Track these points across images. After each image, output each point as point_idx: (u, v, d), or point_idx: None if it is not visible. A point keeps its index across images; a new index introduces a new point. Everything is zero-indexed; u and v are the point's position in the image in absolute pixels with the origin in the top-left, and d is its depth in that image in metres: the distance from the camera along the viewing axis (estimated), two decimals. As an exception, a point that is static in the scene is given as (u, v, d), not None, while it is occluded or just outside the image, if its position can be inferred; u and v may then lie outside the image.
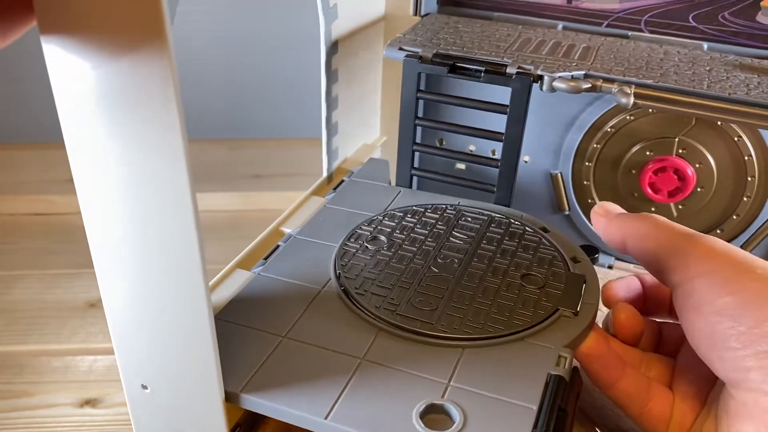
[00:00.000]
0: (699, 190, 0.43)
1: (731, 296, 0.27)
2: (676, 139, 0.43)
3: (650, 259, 0.31)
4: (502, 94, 0.39)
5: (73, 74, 0.22)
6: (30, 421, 0.47)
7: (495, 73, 0.37)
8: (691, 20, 0.41)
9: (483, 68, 0.37)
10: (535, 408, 0.27)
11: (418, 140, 0.43)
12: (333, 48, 0.43)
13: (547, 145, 0.46)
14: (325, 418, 0.26)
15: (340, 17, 0.43)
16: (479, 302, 0.32)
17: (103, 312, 0.59)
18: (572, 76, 0.36)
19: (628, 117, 0.43)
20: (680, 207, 0.45)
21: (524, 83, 0.36)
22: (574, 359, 0.32)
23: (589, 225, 0.46)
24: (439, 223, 0.39)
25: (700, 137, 0.41)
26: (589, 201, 0.47)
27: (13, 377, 0.51)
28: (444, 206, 0.40)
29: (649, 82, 0.35)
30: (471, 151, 0.49)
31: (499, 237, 0.38)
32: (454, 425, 0.26)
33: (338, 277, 0.34)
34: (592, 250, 0.39)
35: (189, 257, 0.24)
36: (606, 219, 0.34)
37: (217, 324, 0.27)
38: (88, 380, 0.51)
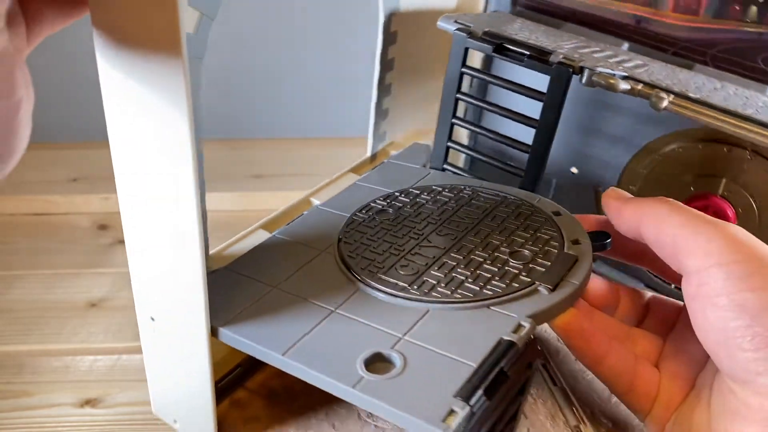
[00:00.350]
0: None
1: (752, 292, 0.25)
2: (723, 180, 0.40)
3: (667, 242, 0.29)
4: (543, 82, 0.38)
5: (116, 66, 0.28)
6: (30, 421, 0.47)
7: (538, 59, 0.37)
8: (760, 62, 0.38)
9: (528, 52, 0.37)
10: (474, 366, 0.28)
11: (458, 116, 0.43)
12: (390, 37, 0.45)
13: (596, 160, 0.45)
14: (283, 354, 0.30)
15: (402, 7, 0.45)
16: (459, 272, 0.34)
17: (102, 312, 0.60)
18: (613, 73, 0.35)
19: (677, 148, 0.41)
20: None
21: (563, 73, 0.36)
22: (560, 337, 0.33)
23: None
24: (452, 201, 0.41)
25: (748, 183, 0.38)
26: None
27: (13, 377, 0.51)
28: (462, 186, 0.42)
29: (691, 94, 0.34)
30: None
31: (504, 216, 0.39)
32: (392, 371, 0.29)
33: (338, 242, 0.38)
34: (602, 235, 0.37)
35: (187, 215, 0.29)
36: (620, 202, 0.33)
37: (224, 273, 0.37)
38: (88, 380, 0.51)
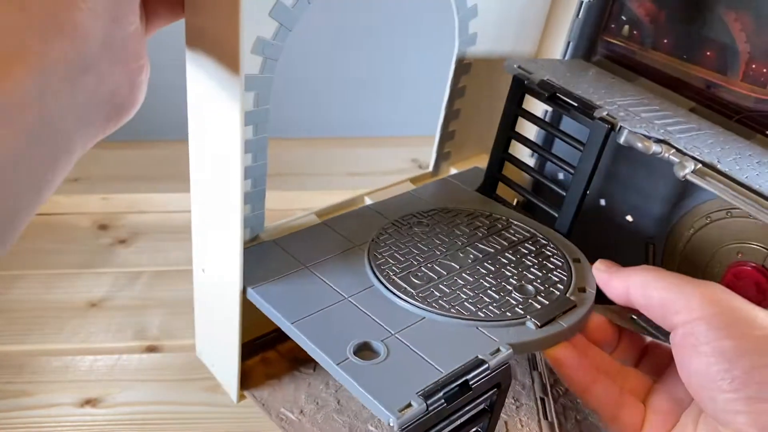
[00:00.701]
0: None
1: (730, 340, 0.28)
2: None
3: (654, 304, 0.33)
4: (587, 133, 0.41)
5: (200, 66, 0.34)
6: (30, 421, 0.47)
7: (583, 112, 0.40)
8: None
9: (576, 104, 0.40)
10: (444, 372, 0.32)
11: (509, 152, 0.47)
12: (464, 67, 0.49)
13: (650, 213, 0.46)
14: (292, 323, 0.36)
15: (479, 43, 0.49)
16: (464, 291, 0.38)
17: (102, 312, 0.60)
18: (648, 135, 0.37)
19: (726, 213, 0.42)
20: None
21: (601, 128, 0.39)
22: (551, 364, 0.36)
23: None
24: (484, 227, 0.44)
25: None
26: None
27: (13, 377, 0.51)
28: (499, 216, 0.45)
29: (718, 166, 0.35)
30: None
31: (527, 253, 0.42)
32: (375, 360, 0.33)
33: (372, 241, 0.43)
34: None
35: (233, 191, 0.36)
36: (608, 273, 0.36)
37: (270, 245, 0.43)
38: (88, 380, 0.51)
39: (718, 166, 0.36)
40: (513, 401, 0.45)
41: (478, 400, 0.33)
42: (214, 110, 0.35)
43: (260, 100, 0.40)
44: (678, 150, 0.37)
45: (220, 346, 0.45)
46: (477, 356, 0.33)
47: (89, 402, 0.49)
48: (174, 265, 0.63)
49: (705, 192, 0.40)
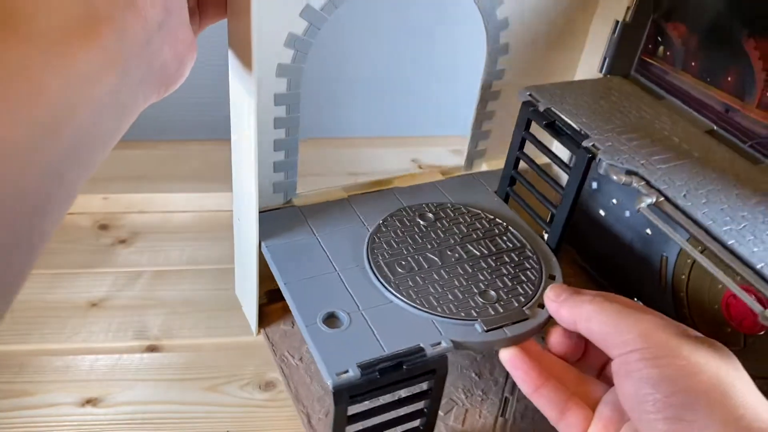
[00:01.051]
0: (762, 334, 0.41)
1: (656, 369, 0.33)
2: None
3: (596, 338, 0.37)
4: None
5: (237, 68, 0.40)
6: (31, 421, 0.48)
7: (572, 140, 0.43)
8: None
9: (569, 132, 0.44)
10: (386, 351, 0.37)
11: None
12: (498, 73, 0.52)
13: (663, 234, 0.46)
14: (284, 283, 0.42)
15: (511, 71, 0.53)
16: (434, 287, 0.42)
17: (103, 312, 0.60)
18: (620, 167, 0.40)
19: (694, 255, 0.42)
20: (749, 340, 0.43)
21: (584, 157, 0.42)
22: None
23: (672, 308, 0.48)
24: (480, 230, 0.47)
25: None
26: (681, 294, 0.48)
27: (14, 377, 0.51)
28: (501, 222, 0.48)
29: (678, 201, 0.37)
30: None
31: (507, 261, 0.45)
32: (338, 328, 0.39)
33: (378, 224, 0.47)
34: None
35: (250, 161, 0.41)
36: (556, 304, 0.39)
37: (293, 210, 0.49)
38: (89, 379, 0.51)
39: (679, 201, 0.38)
40: (482, 394, 0.48)
41: (413, 381, 0.38)
42: (243, 93, 0.40)
43: (292, 85, 0.46)
44: (647, 182, 0.39)
45: (246, 288, 0.51)
46: (419, 344, 0.37)
47: (90, 402, 0.49)
48: (174, 265, 0.63)
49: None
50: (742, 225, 0.37)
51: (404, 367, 0.36)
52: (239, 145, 0.44)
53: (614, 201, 0.53)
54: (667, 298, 0.50)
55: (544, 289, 0.42)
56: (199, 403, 0.50)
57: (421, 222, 0.47)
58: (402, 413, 0.40)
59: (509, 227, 0.48)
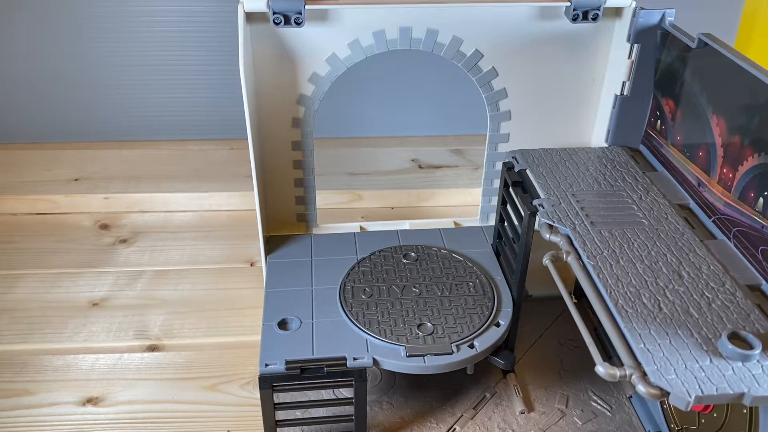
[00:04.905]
0: (714, 414, 0.41)
1: None
2: None
3: None
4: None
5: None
6: (32, 420, 0.48)
7: (524, 200, 0.47)
8: (759, 253, 0.39)
9: (528, 191, 0.48)
10: (313, 355, 0.43)
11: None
12: (502, 137, 0.56)
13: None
14: (267, 290, 0.48)
15: (517, 135, 0.55)
16: (383, 313, 0.46)
17: (104, 311, 0.60)
18: (546, 224, 0.44)
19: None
20: (702, 420, 0.43)
21: (528, 214, 0.46)
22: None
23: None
24: (453, 274, 0.51)
25: None
26: None
27: (15, 376, 0.51)
28: (476, 270, 0.51)
29: (585, 260, 0.40)
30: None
31: (462, 303, 0.48)
32: (288, 331, 0.45)
33: (361, 260, 0.52)
34: (509, 358, 0.48)
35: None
36: None
37: (306, 237, 0.55)
38: (89, 379, 0.51)
39: (585, 260, 0.40)
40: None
41: (334, 385, 0.44)
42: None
43: (308, 113, 0.52)
44: (570, 242, 0.42)
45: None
46: (344, 355, 0.42)
47: (91, 401, 0.49)
48: (175, 265, 0.64)
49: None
50: (640, 305, 0.36)
51: (325, 370, 0.42)
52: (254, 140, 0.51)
53: None
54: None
55: (483, 332, 0.45)
56: (200, 402, 0.50)
57: (403, 260, 0.52)
58: (331, 414, 0.47)
59: (482, 275, 0.51)
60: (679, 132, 0.48)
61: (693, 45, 0.44)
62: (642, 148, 0.53)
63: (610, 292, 0.37)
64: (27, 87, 0.81)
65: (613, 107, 0.52)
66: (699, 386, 0.31)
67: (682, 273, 0.39)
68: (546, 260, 0.43)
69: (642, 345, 0.33)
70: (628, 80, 0.50)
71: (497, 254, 0.54)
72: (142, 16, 0.78)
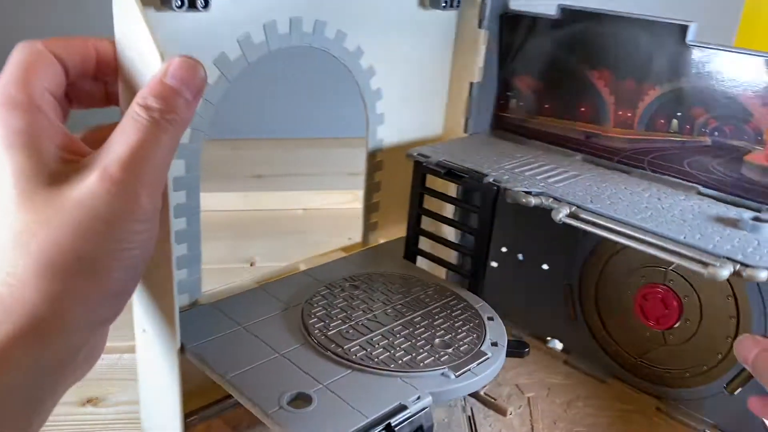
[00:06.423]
0: (687, 322, 0.45)
1: None
2: (666, 270, 0.46)
3: None
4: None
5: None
6: (32, 420, 0.48)
7: (474, 179, 0.46)
8: (686, 165, 0.47)
9: (468, 175, 0.47)
10: (368, 417, 0.35)
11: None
12: (377, 165, 0.53)
13: (562, 259, 0.52)
14: (228, 377, 0.38)
15: (386, 141, 0.53)
16: (383, 347, 0.41)
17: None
18: (526, 192, 0.43)
19: (620, 246, 0.47)
20: (670, 336, 0.47)
21: (491, 190, 0.45)
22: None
23: (589, 335, 0.51)
24: (405, 291, 0.48)
25: (688, 271, 0.43)
26: (594, 318, 0.51)
27: (15, 376, 0.51)
28: (418, 280, 0.49)
29: (590, 206, 0.41)
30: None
31: (437, 312, 0.45)
32: (307, 408, 0.36)
33: (306, 302, 0.45)
34: (521, 344, 0.46)
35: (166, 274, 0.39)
36: (751, 353, 0.38)
37: (207, 308, 0.45)
38: (89, 378, 0.51)
39: (590, 206, 0.41)
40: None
41: None
42: None
43: (191, 167, 0.45)
44: (555, 198, 0.42)
45: (163, 413, 0.43)
46: (399, 402, 0.36)
47: (90, 401, 0.49)
48: (175, 265, 0.64)
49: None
50: (649, 213, 0.41)
51: (394, 427, 0.35)
52: None
53: (503, 249, 0.57)
54: (580, 327, 0.52)
55: (488, 330, 0.43)
56: (200, 403, 0.50)
57: (349, 293, 0.47)
58: None
59: (428, 283, 0.49)
60: (547, 101, 0.53)
61: (557, 16, 0.50)
62: (497, 131, 0.56)
63: (630, 218, 0.40)
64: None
65: (469, 95, 0.53)
66: None
67: (662, 197, 0.44)
68: (560, 216, 0.42)
69: (710, 244, 0.37)
70: (482, 66, 0.53)
71: (414, 261, 0.53)
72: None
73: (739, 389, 0.42)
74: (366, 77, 0.50)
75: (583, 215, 0.41)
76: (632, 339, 0.48)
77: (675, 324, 0.46)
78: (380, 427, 0.35)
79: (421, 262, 0.54)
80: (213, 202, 0.74)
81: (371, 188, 0.54)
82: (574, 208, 0.41)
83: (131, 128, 0.30)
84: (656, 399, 0.47)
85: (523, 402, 0.48)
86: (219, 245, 0.67)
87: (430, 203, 0.52)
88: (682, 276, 0.45)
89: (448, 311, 0.46)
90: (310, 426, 0.34)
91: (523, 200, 0.43)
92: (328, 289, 0.47)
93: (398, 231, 0.56)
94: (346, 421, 0.35)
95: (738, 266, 0.35)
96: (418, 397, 0.37)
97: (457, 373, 0.39)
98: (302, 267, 0.51)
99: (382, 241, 0.57)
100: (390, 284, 0.49)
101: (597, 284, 0.50)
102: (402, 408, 0.36)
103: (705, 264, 0.35)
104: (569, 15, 0.49)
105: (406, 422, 0.35)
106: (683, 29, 0.45)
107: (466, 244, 0.52)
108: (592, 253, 0.50)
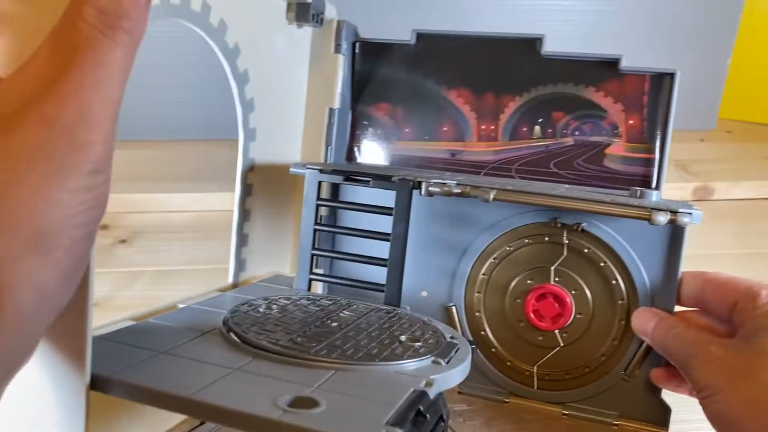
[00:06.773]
0: (579, 316, 0.46)
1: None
2: (552, 268, 0.46)
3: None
4: (390, 201, 0.45)
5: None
6: (31, 421, 0.48)
7: (383, 179, 0.45)
8: (552, 167, 0.50)
9: (371, 178, 0.45)
10: (395, 405, 0.29)
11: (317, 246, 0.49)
12: (248, 188, 0.49)
13: (443, 278, 0.50)
14: (192, 394, 0.28)
15: (257, 161, 0.49)
16: (358, 341, 0.36)
17: (102, 312, 0.60)
18: (445, 183, 0.43)
19: (507, 247, 0.47)
20: (564, 334, 0.46)
21: (405, 186, 0.44)
22: None
23: (482, 356, 0.49)
24: (332, 305, 0.43)
25: (572, 265, 0.45)
26: (482, 332, 0.49)
27: (15, 377, 0.51)
28: (337, 298, 0.45)
29: (510, 187, 0.43)
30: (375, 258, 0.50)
31: (375, 319, 0.41)
32: (316, 409, 0.28)
33: (224, 323, 0.36)
34: (470, 342, 0.44)
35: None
36: (647, 327, 0.41)
37: (96, 341, 0.30)
38: (89, 380, 0.51)
39: (509, 188, 0.43)
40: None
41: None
42: None
43: None
44: (474, 186, 0.43)
45: None
46: (414, 389, 0.31)
47: (90, 402, 0.49)
48: (175, 265, 0.64)
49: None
50: (563, 190, 0.44)
51: (425, 414, 0.30)
52: None
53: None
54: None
55: (438, 327, 0.40)
56: (200, 403, 0.50)
57: (268, 311, 0.40)
58: None
59: (349, 300, 0.45)
60: (406, 126, 0.53)
61: (411, 42, 0.52)
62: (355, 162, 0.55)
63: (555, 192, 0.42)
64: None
65: (329, 122, 0.52)
66: None
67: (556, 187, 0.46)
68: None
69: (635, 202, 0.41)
70: (340, 92, 0.52)
71: (308, 288, 0.49)
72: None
73: (637, 371, 0.43)
74: (242, 81, 0.46)
75: (511, 196, 0.42)
76: (526, 346, 0.47)
77: (569, 320, 0.46)
78: (413, 413, 0.29)
79: (317, 288, 0.50)
80: (212, 202, 0.74)
81: (242, 217, 0.48)
82: (496, 191, 0.42)
83: (70, 43, 0.23)
84: (560, 406, 0.45)
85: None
86: (219, 245, 0.67)
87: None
88: (568, 271, 0.46)
89: (388, 316, 0.42)
90: (336, 421, 0.28)
91: (440, 190, 0.43)
92: (241, 310, 0.39)
93: (270, 267, 0.51)
94: (372, 413, 0.29)
95: (669, 214, 0.38)
96: (428, 384, 0.32)
97: (446, 360, 0.35)
98: (180, 306, 0.42)
99: (255, 281, 0.50)
100: (308, 303, 0.43)
101: (484, 298, 0.48)
102: (422, 394, 0.31)
103: (649, 211, 0.39)
104: (425, 39, 0.51)
105: (432, 409, 0.30)
106: (537, 41, 0.49)
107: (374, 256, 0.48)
108: (476, 266, 0.48)
